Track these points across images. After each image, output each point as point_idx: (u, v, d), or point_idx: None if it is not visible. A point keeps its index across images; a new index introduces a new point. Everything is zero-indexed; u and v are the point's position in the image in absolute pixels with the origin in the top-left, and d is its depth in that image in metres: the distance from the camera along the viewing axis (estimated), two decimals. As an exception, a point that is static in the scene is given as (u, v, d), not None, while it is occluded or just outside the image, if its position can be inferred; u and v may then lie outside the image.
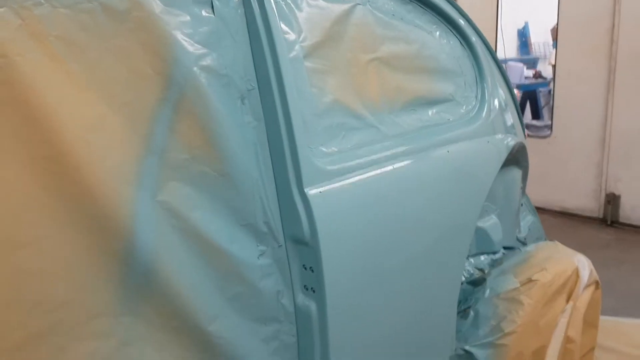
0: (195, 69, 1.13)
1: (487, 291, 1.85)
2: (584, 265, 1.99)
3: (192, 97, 1.13)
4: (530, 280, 1.82)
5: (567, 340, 1.92)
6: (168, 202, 1.13)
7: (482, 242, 2.10)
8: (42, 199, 0.98)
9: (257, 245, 1.25)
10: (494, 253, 2.12)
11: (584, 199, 4.66)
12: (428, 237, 1.49)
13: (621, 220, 4.49)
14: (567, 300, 1.90)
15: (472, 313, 1.84)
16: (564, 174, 4.71)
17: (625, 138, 4.37)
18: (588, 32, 4.40)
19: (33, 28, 0.95)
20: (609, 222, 4.52)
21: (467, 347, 1.78)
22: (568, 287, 1.90)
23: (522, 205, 2.59)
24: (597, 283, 2.07)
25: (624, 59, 4.25)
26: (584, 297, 1.99)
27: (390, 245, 1.37)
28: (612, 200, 4.50)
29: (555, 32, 7.48)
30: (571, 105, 4.64)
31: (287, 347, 1.32)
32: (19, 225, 0.96)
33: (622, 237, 4.35)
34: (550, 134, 4.81)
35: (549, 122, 5.10)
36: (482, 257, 2.12)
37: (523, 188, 2.52)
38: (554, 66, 6.73)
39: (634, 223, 4.43)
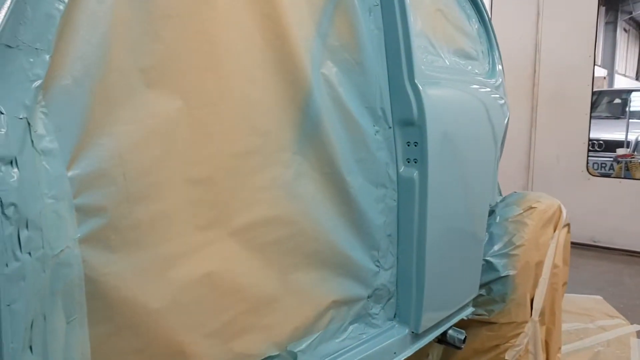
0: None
1: (498, 217, 2.30)
2: (563, 207, 2.51)
3: (346, 3, 1.54)
4: (530, 207, 2.31)
5: (554, 265, 2.41)
6: (326, 75, 1.49)
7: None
8: (260, 47, 1.32)
9: (374, 126, 1.64)
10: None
11: (513, 218, 5.36)
12: (483, 144, 1.96)
13: (544, 236, 5.20)
14: (554, 230, 2.40)
15: (487, 235, 2.27)
16: (496, 197, 5.40)
17: (545, 164, 5.18)
18: (514, 77, 5.25)
19: None
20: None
21: (487, 258, 2.21)
22: (555, 219, 2.40)
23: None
24: (568, 226, 2.60)
25: (543, 99, 5.13)
26: (562, 233, 2.50)
27: (464, 134, 1.82)
28: (537, 218, 5.23)
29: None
30: (500, 138, 5.41)
31: (390, 209, 1.68)
32: (246, 63, 1.29)
33: (547, 249, 5.04)
34: (483, 163, 5.54)
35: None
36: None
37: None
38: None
39: (555, 238, 5.16)
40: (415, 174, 1.66)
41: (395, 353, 1.69)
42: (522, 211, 2.30)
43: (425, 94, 1.64)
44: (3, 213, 0.83)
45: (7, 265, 0.83)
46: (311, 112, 1.43)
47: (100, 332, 1.02)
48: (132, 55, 1.05)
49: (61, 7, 0.94)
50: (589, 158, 6.06)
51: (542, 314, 2.32)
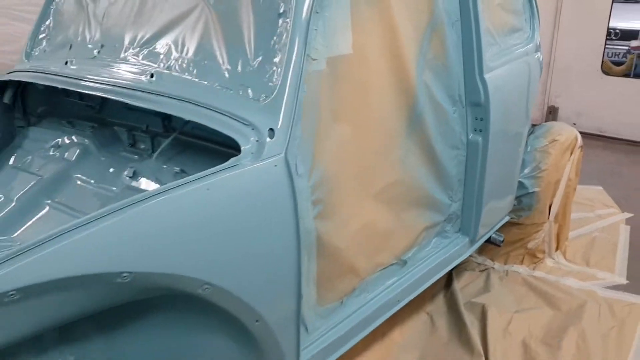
0: (443, 13, 2.17)
1: (529, 147, 3.06)
2: (579, 135, 3.26)
3: (439, 25, 2.18)
4: (554, 140, 3.06)
5: (568, 179, 3.22)
6: (425, 80, 2.18)
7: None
8: (389, 76, 2.01)
9: (452, 107, 2.35)
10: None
11: (531, 111, 6.07)
12: (523, 102, 2.68)
13: (558, 126, 5.97)
14: (570, 154, 3.18)
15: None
16: (517, 92, 6.07)
17: (565, 63, 5.76)
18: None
19: None
20: (549, 128, 5.98)
21: (519, 179, 3.01)
22: (572, 146, 3.16)
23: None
24: (582, 147, 3.36)
25: (567, 3, 5.58)
26: (577, 153, 3.27)
27: (514, 109, 2.54)
28: (552, 111, 5.95)
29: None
30: (525, 38, 5.94)
31: (461, 163, 2.46)
32: (382, 90, 1.99)
33: (559, 139, 5.82)
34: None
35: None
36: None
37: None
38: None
39: (567, 128, 5.93)
40: (480, 139, 2.42)
41: (459, 255, 2.57)
42: (547, 143, 3.06)
43: (490, 84, 2.34)
44: (296, 218, 1.62)
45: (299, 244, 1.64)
46: (416, 109, 2.15)
47: (320, 263, 1.86)
48: (328, 104, 1.77)
49: (302, 95, 1.65)
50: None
51: (556, 216, 3.18)
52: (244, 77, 1.68)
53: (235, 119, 1.59)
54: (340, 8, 1.76)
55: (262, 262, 1.57)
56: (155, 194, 1.35)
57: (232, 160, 1.49)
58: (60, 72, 2.01)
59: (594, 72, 5.68)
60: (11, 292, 1.15)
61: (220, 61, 1.73)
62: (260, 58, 1.67)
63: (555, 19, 5.68)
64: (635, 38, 6.97)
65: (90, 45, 2.05)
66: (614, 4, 5.57)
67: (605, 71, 5.75)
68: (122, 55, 1.94)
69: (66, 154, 2.04)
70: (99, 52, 2.01)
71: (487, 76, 2.35)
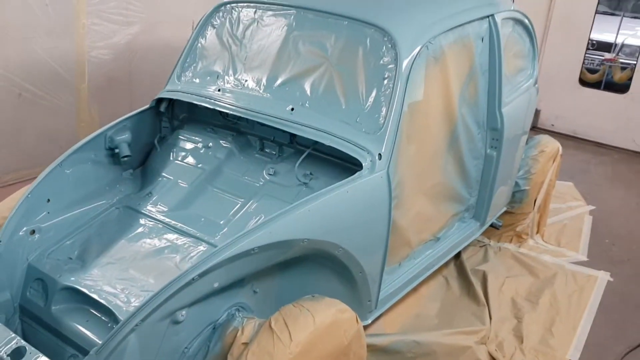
0: (478, 66, 3.10)
1: (523, 155, 4.05)
2: (560, 147, 4.26)
3: (475, 74, 3.11)
4: (542, 151, 4.06)
5: (550, 180, 4.23)
6: (462, 113, 3.12)
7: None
8: (443, 113, 2.95)
9: (478, 130, 3.31)
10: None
11: (517, 112, 7.08)
12: (524, 125, 3.66)
13: (539, 126, 7.00)
14: (553, 162, 4.18)
15: (515, 165, 4.04)
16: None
17: (548, 73, 6.76)
18: (531, 1, 6.58)
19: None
20: (532, 128, 7.01)
21: (515, 179, 4.01)
22: (554, 155, 4.17)
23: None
24: (561, 155, 4.37)
25: (556, 21, 6.54)
26: (557, 160, 4.28)
27: (518, 131, 3.51)
28: (535, 114, 6.96)
29: None
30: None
31: (479, 170, 3.43)
32: (437, 120, 2.93)
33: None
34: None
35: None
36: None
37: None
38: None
39: (548, 128, 6.97)
40: (495, 154, 3.39)
41: (472, 235, 3.57)
42: (537, 153, 4.05)
43: (505, 116, 3.30)
44: (390, 210, 2.56)
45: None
46: (455, 132, 3.10)
47: (391, 238, 2.80)
48: (406, 132, 2.68)
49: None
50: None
51: (539, 207, 4.20)
52: (358, 116, 2.58)
53: (356, 145, 2.50)
54: (420, 70, 2.68)
55: (371, 236, 2.52)
56: (321, 193, 2.28)
57: (357, 174, 2.42)
58: (215, 96, 2.88)
59: (572, 83, 6.70)
60: (255, 248, 2.07)
61: (341, 104, 2.63)
62: (370, 104, 2.58)
63: (544, 37, 6.65)
64: (609, 51, 8.00)
65: (236, 79, 2.91)
66: (596, 15, 6.54)
67: (582, 80, 6.78)
68: (263, 90, 2.81)
69: (217, 153, 2.93)
70: (244, 86, 2.87)
71: (503, 110, 3.31)
